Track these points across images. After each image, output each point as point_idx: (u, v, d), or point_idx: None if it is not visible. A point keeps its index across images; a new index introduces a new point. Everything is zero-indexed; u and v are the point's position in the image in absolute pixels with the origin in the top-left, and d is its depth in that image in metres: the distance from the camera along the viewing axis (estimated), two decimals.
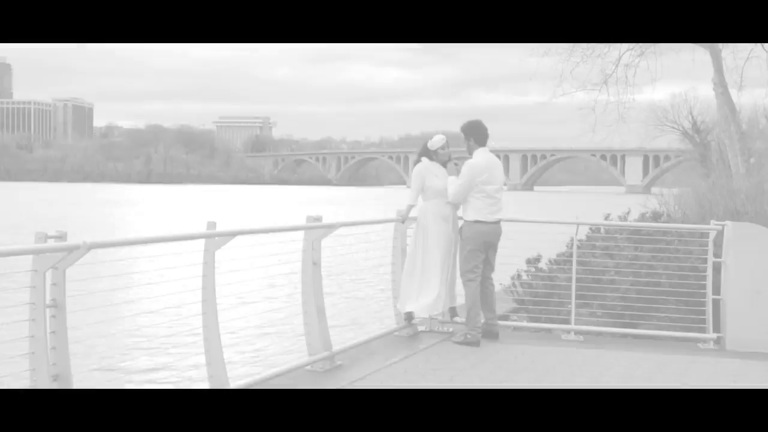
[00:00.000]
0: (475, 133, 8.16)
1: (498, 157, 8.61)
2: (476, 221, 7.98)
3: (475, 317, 7.94)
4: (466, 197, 8.01)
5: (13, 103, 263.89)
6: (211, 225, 5.68)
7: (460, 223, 8.23)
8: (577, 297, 8.77)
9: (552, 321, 9.22)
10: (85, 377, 10.08)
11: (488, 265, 8.19)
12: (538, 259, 10.42)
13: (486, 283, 8.17)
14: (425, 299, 8.04)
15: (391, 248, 8.71)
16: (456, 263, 8.25)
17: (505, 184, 8.59)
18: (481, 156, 8.09)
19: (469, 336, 7.91)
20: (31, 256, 4.40)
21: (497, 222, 8.10)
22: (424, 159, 8.29)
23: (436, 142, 8.32)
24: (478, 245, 8.00)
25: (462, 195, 8.00)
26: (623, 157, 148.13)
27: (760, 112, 29.29)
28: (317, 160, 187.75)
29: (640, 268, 9.21)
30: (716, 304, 8.37)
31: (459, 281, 8.32)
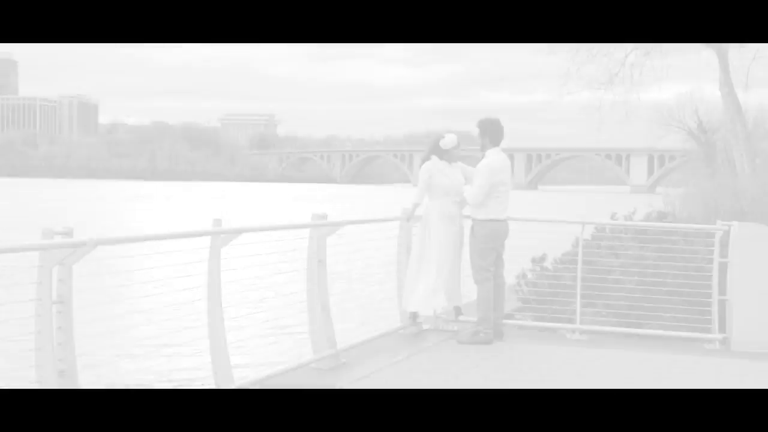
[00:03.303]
0: (491, 132, 8.15)
1: None
2: (490, 219, 8.02)
3: (488, 316, 7.95)
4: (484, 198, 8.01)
5: (19, 99, 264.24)
6: (217, 222, 5.69)
7: (467, 222, 8.24)
8: (583, 296, 8.75)
9: (557, 320, 9.20)
10: (91, 373, 10.10)
11: (500, 261, 8.22)
12: (543, 259, 10.42)
13: (499, 281, 8.21)
14: (419, 294, 8.00)
15: (396, 246, 8.71)
16: (460, 263, 8.24)
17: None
18: (495, 156, 8.09)
19: (482, 334, 7.91)
20: (37, 253, 4.41)
21: (506, 220, 8.16)
22: (434, 157, 8.21)
23: (449, 141, 8.18)
24: (492, 243, 8.04)
25: (482, 197, 7.98)
26: (628, 157, 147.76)
27: (767, 113, 29.23)
28: (322, 157, 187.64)
29: (645, 267, 9.19)
30: (722, 304, 8.35)
31: (465, 280, 8.31)
